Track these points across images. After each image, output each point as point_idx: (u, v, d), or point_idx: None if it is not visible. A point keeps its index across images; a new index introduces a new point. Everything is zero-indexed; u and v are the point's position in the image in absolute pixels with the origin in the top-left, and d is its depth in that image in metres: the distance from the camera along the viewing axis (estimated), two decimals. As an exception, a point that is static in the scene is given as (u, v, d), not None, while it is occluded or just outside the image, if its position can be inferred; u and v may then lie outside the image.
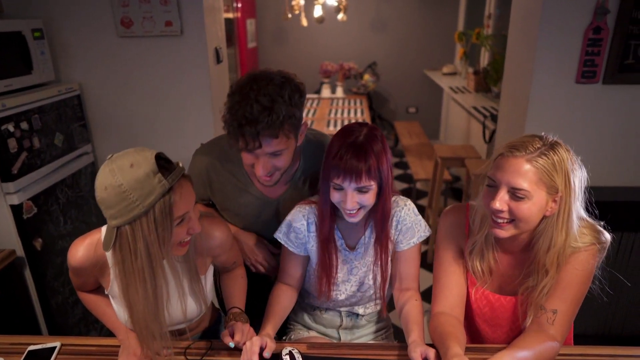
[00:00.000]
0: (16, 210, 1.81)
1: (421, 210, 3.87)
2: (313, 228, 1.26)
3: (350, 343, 1.29)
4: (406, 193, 4.28)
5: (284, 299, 1.29)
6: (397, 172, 5.08)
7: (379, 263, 1.27)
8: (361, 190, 1.12)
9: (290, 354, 1.10)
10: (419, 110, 6.08)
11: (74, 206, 2.14)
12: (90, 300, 1.27)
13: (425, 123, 5.78)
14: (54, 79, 2.13)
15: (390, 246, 1.27)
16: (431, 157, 4.08)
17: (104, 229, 1.09)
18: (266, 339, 1.09)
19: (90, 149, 2.27)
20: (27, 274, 1.91)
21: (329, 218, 1.22)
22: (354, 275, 1.30)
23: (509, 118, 2.36)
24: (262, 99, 1.08)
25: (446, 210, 1.31)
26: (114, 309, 1.19)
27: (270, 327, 1.18)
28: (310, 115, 4.49)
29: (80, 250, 1.09)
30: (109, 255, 1.08)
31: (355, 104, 5.06)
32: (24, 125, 1.82)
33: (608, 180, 2.09)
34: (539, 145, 1.05)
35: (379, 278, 1.28)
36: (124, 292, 1.03)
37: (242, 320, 1.20)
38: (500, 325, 1.25)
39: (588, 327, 2.17)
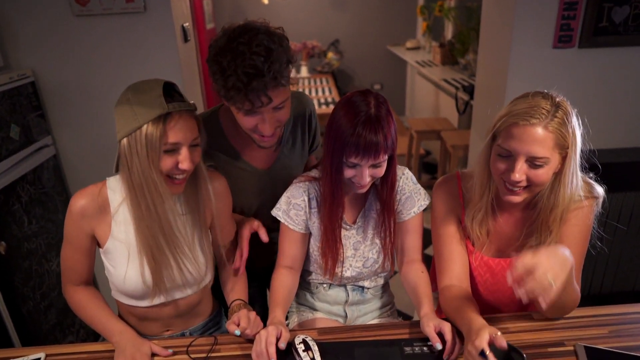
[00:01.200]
0: (-27, 212, 1.63)
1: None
2: (314, 204, 1.23)
3: (361, 325, 1.25)
4: (379, 170, 4.27)
5: (287, 283, 1.23)
6: (368, 149, 5.07)
7: (387, 232, 1.24)
8: (375, 165, 1.10)
9: (304, 342, 1.04)
10: (383, 87, 6.06)
11: (37, 204, 1.97)
12: (81, 298, 1.18)
13: (391, 99, 5.77)
14: (3, 65, 1.92)
15: (391, 218, 1.24)
16: (402, 132, 4.08)
17: (108, 177, 1.15)
18: (281, 327, 1.02)
19: (50, 141, 2.08)
20: (-8, 280, 1.74)
21: (341, 196, 1.17)
22: (357, 250, 1.27)
23: (488, 87, 2.36)
24: (258, 50, 1.01)
25: (438, 183, 1.29)
26: (109, 271, 1.14)
27: (281, 314, 1.11)
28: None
29: (85, 196, 1.10)
30: (112, 199, 1.11)
31: (321, 82, 4.97)
32: (-26, 117, 1.63)
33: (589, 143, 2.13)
34: (548, 107, 1.02)
35: (382, 246, 1.26)
36: (132, 207, 1.06)
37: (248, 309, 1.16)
38: (502, 291, 1.24)
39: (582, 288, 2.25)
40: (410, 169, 3.42)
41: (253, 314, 1.11)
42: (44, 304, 1.96)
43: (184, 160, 1.03)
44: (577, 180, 1.08)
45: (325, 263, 1.23)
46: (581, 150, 1.07)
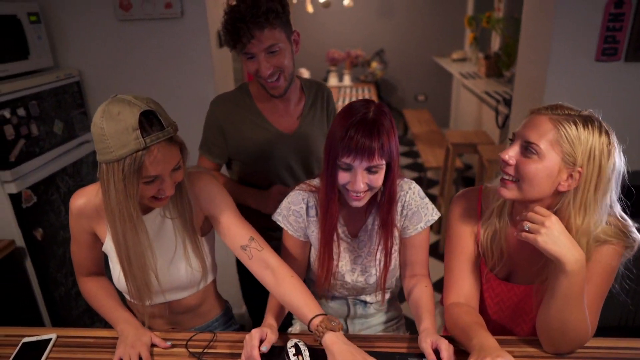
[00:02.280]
0: (15, 199, 1.76)
1: (432, 199, 3.79)
2: (313, 212, 1.21)
3: (359, 335, 1.23)
4: (417, 182, 4.19)
5: None
6: (407, 160, 4.99)
7: (384, 251, 1.18)
8: (371, 171, 1.05)
9: (296, 346, 1.04)
10: (428, 98, 5.96)
11: (75, 196, 2.09)
12: (91, 288, 1.23)
13: (434, 111, 5.67)
14: (52, 65, 2.06)
15: (395, 232, 1.19)
16: (442, 144, 3.99)
17: None
18: (266, 330, 1.02)
19: (91, 137, 2.20)
20: (28, 264, 1.86)
21: (335, 204, 1.13)
22: (358, 265, 1.23)
23: (524, 101, 2.27)
24: (247, 1, 1.25)
25: (458, 195, 1.23)
26: (111, 270, 1.18)
27: (272, 318, 1.11)
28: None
29: (83, 196, 1.12)
30: None
31: (363, 92, 4.97)
32: (21, 111, 1.77)
33: (632, 164, 1.99)
34: (571, 112, 0.97)
35: (385, 262, 1.20)
36: (112, 229, 1.04)
37: (335, 328, 1.00)
38: (512, 316, 1.17)
39: (608, 319, 2.09)
40: (444, 182, 3.33)
41: (254, 344, 1.00)
42: (74, 290, 2.07)
43: (167, 188, 1.02)
44: (598, 213, 0.98)
45: (320, 274, 1.20)
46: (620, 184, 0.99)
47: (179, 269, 1.16)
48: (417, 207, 1.20)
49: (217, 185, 1.19)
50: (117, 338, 1.14)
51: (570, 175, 0.97)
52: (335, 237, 1.19)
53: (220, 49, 2.21)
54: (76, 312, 2.09)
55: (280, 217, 1.23)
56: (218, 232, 1.19)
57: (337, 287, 1.25)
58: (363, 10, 5.56)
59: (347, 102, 4.39)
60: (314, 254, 1.25)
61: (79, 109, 2.13)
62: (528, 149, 0.97)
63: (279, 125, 1.45)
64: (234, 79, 2.51)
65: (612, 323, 2.13)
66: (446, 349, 0.97)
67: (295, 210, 1.21)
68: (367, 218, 1.21)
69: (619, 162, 0.97)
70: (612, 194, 0.99)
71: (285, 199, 1.24)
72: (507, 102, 3.01)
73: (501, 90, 3.53)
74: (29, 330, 1.21)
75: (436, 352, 0.98)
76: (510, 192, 1.02)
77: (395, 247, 1.22)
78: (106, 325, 1.21)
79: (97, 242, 1.18)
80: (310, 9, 4.57)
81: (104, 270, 1.27)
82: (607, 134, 0.96)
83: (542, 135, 0.96)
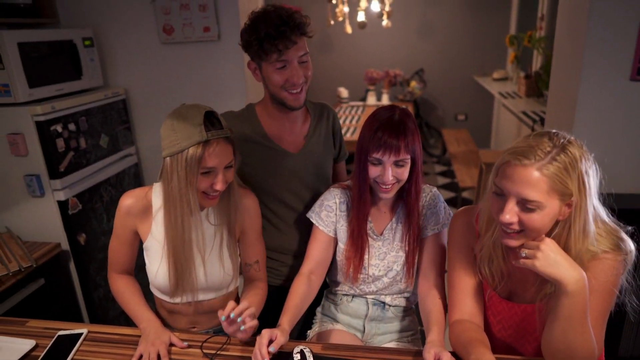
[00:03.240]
0: (62, 206, 1.92)
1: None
2: (344, 207, 1.34)
3: (365, 346, 1.25)
4: (452, 202, 4.13)
5: (303, 290, 1.26)
6: (444, 180, 4.93)
7: (408, 241, 1.30)
8: (398, 164, 1.19)
9: (302, 352, 1.08)
10: (468, 118, 5.89)
11: (116, 205, 2.24)
12: (120, 285, 1.35)
13: (475, 131, 5.58)
14: (102, 84, 2.26)
15: (415, 229, 1.29)
16: (478, 165, 3.93)
17: (156, 183, 1.28)
18: (276, 332, 1.07)
19: (134, 151, 2.38)
20: (72, 267, 2.02)
21: (367, 196, 1.26)
22: (382, 261, 1.32)
23: (556, 121, 2.22)
24: (281, 11, 1.29)
25: (457, 213, 1.25)
26: (147, 266, 1.29)
27: (285, 321, 1.16)
28: (354, 122, 4.47)
29: (132, 196, 1.26)
30: (154, 202, 1.25)
31: (400, 110, 4.99)
32: (72, 126, 1.94)
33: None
34: (548, 149, 0.94)
35: (406, 259, 1.31)
36: (164, 213, 1.19)
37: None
38: (515, 336, 1.16)
39: (626, 349, 1.97)
40: (477, 202, 3.27)
41: (244, 304, 1.10)
42: (112, 294, 2.21)
43: (219, 182, 1.16)
44: (590, 229, 0.98)
45: (348, 267, 1.31)
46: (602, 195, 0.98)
47: (213, 270, 1.27)
48: (436, 209, 1.31)
49: (258, 208, 1.36)
50: (140, 336, 1.23)
51: (568, 205, 0.97)
52: (364, 231, 1.29)
53: (254, 69, 2.33)
54: (113, 314, 2.23)
55: (313, 213, 1.36)
56: (240, 242, 1.36)
57: (361, 282, 1.34)
58: (402, 30, 5.61)
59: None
60: (339, 251, 1.34)
61: (124, 125, 2.30)
62: (527, 206, 0.96)
63: (285, 144, 1.47)
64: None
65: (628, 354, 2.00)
66: None
67: (328, 205, 1.34)
68: (393, 217, 1.33)
69: (595, 170, 0.96)
70: (595, 201, 0.98)
71: (319, 198, 1.38)
72: (543, 122, 2.94)
73: (539, 110, 3.46)
74: (65, 324, 1.32)
75: None
76: (517, 242, 1.01)
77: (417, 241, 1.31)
78: (132, 325, 1.30)
79: (136, 240, 1.31)
80: (349, 29, 4.68)
81: (133, 271, 1.38)
82: (581, 147, 0.96)
83: (536, 189, 0.94)
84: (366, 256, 1.31)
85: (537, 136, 0.98)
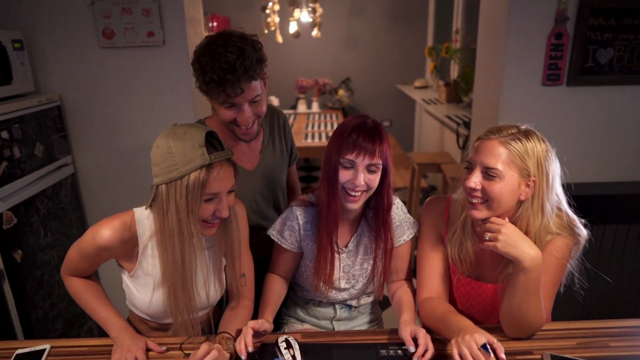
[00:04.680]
0: (-4, 220, 1.77)
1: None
2: (308, 227, 1.29)
3: (343, 331, 1.32)
4: (384, 203, 4.34)
5: (277, 288, 1.32)
6: (375, 183, 5.16)
7: (378, 254, 1.28)
8: (370, 170, 1.16)
9: (287, 341, 1.12)
10: (392, 124, 6.23)
11: (54, 218, 2.11)
12: (80, 289, 1.23)
13: (399, 135, 5.92)
14: (34, 90, 2.11)
15: (389, 240, 1.29)
16: (407, 166, 4.19)
17: (136, 209, 1.16)
18: (261, 320, 1.11)
19: (70, 161, 2.25)
20: (6, 286, 1.86)
21: (336, 206, 1.20)
22: (347, 273, 1.33)
23: (482, 123, 2.48)
24: (232, 49, 1.18)
25: (428, 201, 1.37)
26: (133, 292, 1.19)
27: (268, 314, 1.21)
28: (287, 129, 4.55)
29: (111, 229, 1.11)
30: (141, 232, 1.14)
31: (331, 118, 5.16)
32: (4, 134, 1.80)
33: (573, 176, 2.21)
34: (513, 131, 1.12)
35: (378, 270, 1.31)
36: (159, 248, 1.09)
37: (227, 347, 1.11)
38: (481, 312, 1.30)
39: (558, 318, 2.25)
40: (411, 202, 3.49)
41: (214, 352, 1.06)
42: (52, 314, 2.06)
43: (224, 209, 1.07)
44: (548, 211, 1.15)
45: (317, 282, 1.28)
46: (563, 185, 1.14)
47: (210, 291, 1.22)
48: (400, 221, 1.33)
49: (245, 215, 1.29)
50: (111, 346, 1.18)
51: (527, 185, 1.12)
52: (332, 247, 1.26)
53: (199, 75, 2.32)
54: (53, 335, 2.07)
55: (275, 231, 1.32)
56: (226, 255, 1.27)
57: (327, 293, 1.34)
58: (330, 40, 5.82)
59: (316, 128, 4.58)
60: (306, 264, 1.34)
61: (59, 133, 2.17)
62: (489, 173, 1.11)
63: (241, 162, 1.41)
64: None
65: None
66: (423, 337, 1.08)
67: (290, 225, 1.29)
68: (357, 229, 1.32)
69: (557, 163, 1.14)
70: (559, 191, 1.15)
71: (280, 216, 1.33)
72: (467, 125, 3.25)
73: (461, 114, 3.79)
74: (22, 343, 1.23)
75: (414, 341, 1.09)
76: (481, 213, 1.15)
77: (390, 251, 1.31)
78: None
79: (103, 262, 1.20)
80: (280, 39, 4.76)
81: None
82: (544, 141, 1.14)
83: (497, 158, 1.10)
84: (334, 271, 1.30)
85: (507, 124, 1.16)
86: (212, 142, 1.05)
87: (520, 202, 1.15)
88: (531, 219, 1.14)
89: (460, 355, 0.96)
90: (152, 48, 2.13)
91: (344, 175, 1.17)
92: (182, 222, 1.03)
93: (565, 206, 1.19)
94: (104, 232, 1.11)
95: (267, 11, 4.27)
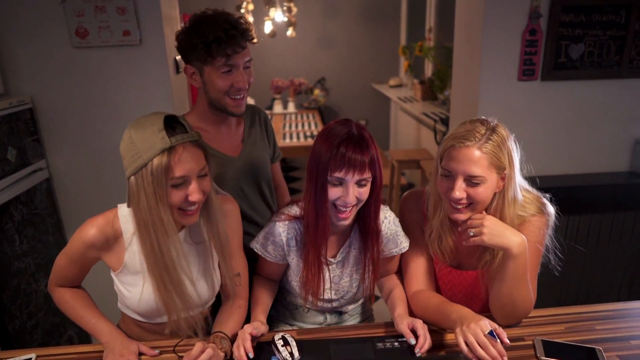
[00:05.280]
0: (-32, 228, 1.69)
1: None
2: (293, 243, 1.24)
3: (337, 326, 1.32)
4: (364, 201, 4.37)
5: (268, 288, 1.31)
6: (353, 182, 5.19)
7: (366, 266, 1.25)
8: (360, 184, 1.10)
9: (283, 338, 1.12)
10: (368, 123, 6.27)
11: (29, 224, 2.03)
12: (68, 298, 1.21)
13: (375, 134, 5.82)
14: (3, 92, 2.03)
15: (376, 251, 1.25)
16: (385, 164, 4.24)
17: (120, 205, 1.15)
18: (256, 323, 1.10)
19: (44, 165, 2.16)
20: (-19, 297, 1.78)
21: (325, 224, 1.15)
22: (337, 284, 1.30)
23: (460, 119, 2.50)
24: (228, 16, 1.28)
25: (404, 197, 1.39)
26: (123, 292, 1.16)
27: (260, 314, 1.19)
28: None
29: (95, 226, 1.11)
30: (125, 229, 1.12)
31: (308, 117, 5.16)
32: (-25, 138, 1.73)
33: (548, 169, 2.29)
34: (483, 131, 1.13)
35: (368, 280, 1.27)
36: (139, 242, 1.07)
37: (221, 346, 1.10)
38: (465, 300, 1.32)
39: (545, 306, 2.33)
40: (391, 200, 3.52)
41: (209, 350, 1.05)
42: (30, 324, 1.98)
43: (193, 192, 1.03)
44: (518, 197, 1.18)
45: (306, 294, 1.24)
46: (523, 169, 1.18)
47: (201, 289, 1.19)
48: (392, 235, 1.28)
49: (238, 214, 1.27)
50: (99, 352, 1.15)
51: (502, 178, 1.16)
52: (320, 262, 1.21)
53: (177, 75, 2.28)
54: (32, 346, 1.99)
55: (259, 245, 1.28)
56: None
57: (316, 303, 1.30)
58: (305, 40, 5.82)
59: (293, 128, 4.57)
60: (292, 276, 1.30)
61: (32, 136, 2.09)
62: (473, 181, 1.12)
63: (225, 149, 1.44)
64: (189, 104, 2.57)
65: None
66: (422, 328, 1.09)
67: (274, 241, 1.24)
68: (346, 240, 1.27)
69: (517, 147, 1.17)
70: (519, 174, 1.19)
71: (263, 230, 1.28)
72: (444, 121, 3.31)
73: (437, 111, 3.86)
74: (6, 353, 1.18)
75: (413, 333, 1.10)
76: (465, 215, 1.17)
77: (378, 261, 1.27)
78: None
79: (93, 264, 1.18)
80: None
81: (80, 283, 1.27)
82: (504, 129, 1.16)
83: (479, 166, 1.11)
84: (322, 284, 1.25)
85: (471, 123, 1.17)
86: (173, 125, 1.03)
87: (494, 195, 1.18)
88: (506, 207, 1.17)
89: (467, 344, 0.97)
90: (128, 47, 2.07)
91: (333, 193, 1.11)
92: (152, 210, 1.02)
93: (527, 186, 1.24)
94: (89, 230, 1.11)
95: (242, 10, 4.24)
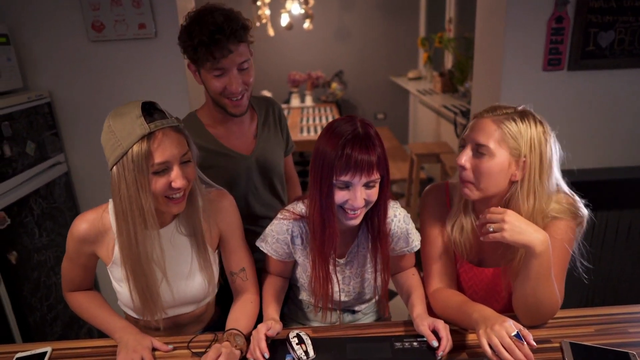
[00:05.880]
0: (-12, 221, 1.71)
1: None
2: (298, 241, 1.20)
3: (354, 324, 1.28)
4: (382, 195, 4.31)
5: (278, 285, 1.27)
6: (371, 176, 5.13)
7: (376, 266, 1.20)
8: (368, 186, 1.04)
9: (298, 336, 1.09)
10: (387, 116, 6.20)
11: (49, 218, 2.05)
12: (82, 301, 1.22)
13: (394, 128, 5.89)
14: (22, 86, 2.04)
15: (385, 250, 1.20)
16: (404, 158, 4.16)
17: (110, 200, 1.12)
18: (270, 322, 1.07)
19: (63, 159, 2.18)
20: (2, 289, 1.80)
21: (334, 226, 1.09)
22: (347, 286, 1.26)
23: (481, 110, 2.45)
24: (218, 14, 1.21)
25: (427, 190, 1.34)
26: (116, 287, 1.16)
27: (273, 311, 1.16)
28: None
29: (86, 221, 1.11)
30: (113, 222, 1.09)
31: (325, 111, 5.11)
32: (-6, 132, 1.74)
33: (575, 162, 2.19)
34: (509, 111, 1.10)
35: (379, 280, 1.22)
36: (121, 242, 1.05)
37: (236, 344, 1.07)
38: (487, 298, 1.27)
39: (569, 306, 2.25)
40: (410, 194, 3.46)
41: (225, 353, 1.02)
42: (50, 316, 2.01)
43: (176, 178, 1.00)
44: (545, 194, 1.11)
45: (317, 297, 1.19)
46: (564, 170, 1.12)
47: (193, 284, 1.17)
48: (402, 234, 1.22)
49: (236, 209, 1.24)
50: (115, 346, 1.14)
51: (517, 163, 1.09)
52: (330, 263, 1.16)
53: (193, 68, 2.26)
54: (52, 338, 2.02)
55: (264, 243, 1.24)
56: (222, 250, 1.26)
57: (326, 306, 1.25)
58: (322, 33, 5.76)
59: (310, 122, 4.52)
60: (301, 273, 1.26)
61: (51, 130, 2.10)
62: (479, 151, 1.09)
63: (237, 147, 1.41)
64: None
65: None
66: (444, 329, 1.04)
67: (279, 239, 1.20)
68: (355, 240, 1.22)
69: (555, 146, 1.11)
70: (557, 174, 1.13)
71: (268, 227, 1.23)
72: (464, 114, 3.22)
73: (457, 103, 3.76)
74: (22, 346, 1.18)
75: (435, 334, 1.05)
76: (472, 193, 1.13)
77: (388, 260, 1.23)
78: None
79: (94, 261, 1.19)
80: (271, 32, 4.70)
81: (93, 286, 1.28)
82: (542, 123, 1.10)
83: (489, 136, 1.07)
84: (332, 286, 1.19)
85: (506, 104, 1.13)
86: (151, 112, 1.01)
87: (512, 184, 1.12)
88: (521, 201, 1.11)
89: (491, 346, 0.93)
90: (143, 40, 2.07)
91: (340, 197, 1.05)
92: (132, 199, 0.99)
93: (565, 188, 1.17)
94: (79, 224, 1.11)
95: (258, 3, 4.21)
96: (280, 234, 1.20)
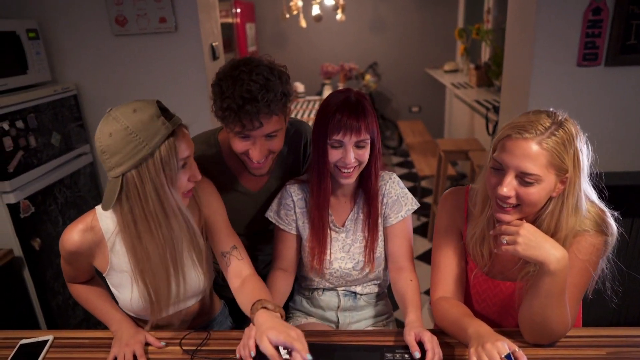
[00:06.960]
0: (13, 209, 1.80)
1: (427, 207, 3.83)
2: (302, 204, 1.30)
3: (349, 330, 1.26)
4: (411, 191, 4.23)
5: (280, 285, 1.27)
6: (402, 171, 5.04)
7: (368, 227, 1.28)
8: (359, 145, 1.16)
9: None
10: (422, 109, 6.04)
11: (72, 206, 2.13)
12: (82, 292, 1.25)
13: (428, 121, 5.74)
14: (50, 79, 2.12)
15: (379, 220, 1.29)
16: (435, 154, 4.04)
17: (98, 207, 1.10)
18: None
19: (88, 149, 2.26)
20: (26, 274, 1.89)
21: (327, 185, 1.22)
22: (347, 253, 1.30)
23: (511, 107, 2.33)
24: (257, 78, 1.08)
25: (445, 194, 1.26)
26: (114, 293, 1.17)
27: None
28: (312, 116, 4.47)
29: (76, 233, 1.07)
30: (105, 230, 1.08)
31: (357, 103, 5.04)
32: (20, 124, 1.82)
33: (612, 165, 2.04)
34: (548, 124, 0.98)
35: (366, 244, 1.29)
36: (134, 247, 1.03)
37: (270, 308, 1.01)
38: (499, 312, 1.20)
39: (602, 319, 2.11)
40: (437, 190, 3.35)
41: (251, 335, 0.98)
42: (71, 301, 2.09)
43: (196, 172, 1.05)
44: (582, 207, 1.02)
45: (312, 259, 1.27)
46: (592, 174, 1.02)
47: (192, 278, 1.17)
48: (397, 196, 1.29)
49: (215, 190, 1.21)
50: (112, 338, 1.16)
51: (562, 182, 1.00)
52: (326, 223, 1.26)
53: (213, 61, 2.28)
54: (74, 321, 2.11)
55: (272, 212, 1.32)
56: (208, 234, 1.21)
57: (327, 276, 1.31)
58: (355, 24, 5.67)
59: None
60: (304, 245, 1.30)
61: (76, 122, 2.18)
62: (525, 180, 0.98)
63: (247, 183, 1.35)
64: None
65: (604, 323, 2.15)
66: (429, 340, 0.99)
67: (285, 204, 1.30)
68: (353, 207, 1.30)
69: (587, 151, 1.01)
70: (587, 181, 1.03)
71: (276, 197, 1.32)
72: (497, 110, 3.08)
73: (491, 98, 3.60)
74: (26, 333, 1.23)
75: (421, 344, 1.01)
76: (511, 217, 1.03)
77: (381, 232, 1.29)
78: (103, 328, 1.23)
79: (91, 265, 1.17)
80: (303, 23, 4.66)
81: (95, 275, 1.28)
82: (575, 125, 1.00)
83: (536, 163, 0.96)
84: (329, 249, 1.27)
85: (536, 113, 1.01)
86: (164, 109, 1.00)
87: (550, 199, 1.02)
88: (564, 216, 1.01)
89: None
90: (164, 34, 2.09)
91: (334, 155, 1.18)
92: (162, 199, 0.98)
93: (595, 198, 1.07)
94: (69, 237, 1.08)
95: (290, -6, 4.18)
96: (285, 198, 1.31)
